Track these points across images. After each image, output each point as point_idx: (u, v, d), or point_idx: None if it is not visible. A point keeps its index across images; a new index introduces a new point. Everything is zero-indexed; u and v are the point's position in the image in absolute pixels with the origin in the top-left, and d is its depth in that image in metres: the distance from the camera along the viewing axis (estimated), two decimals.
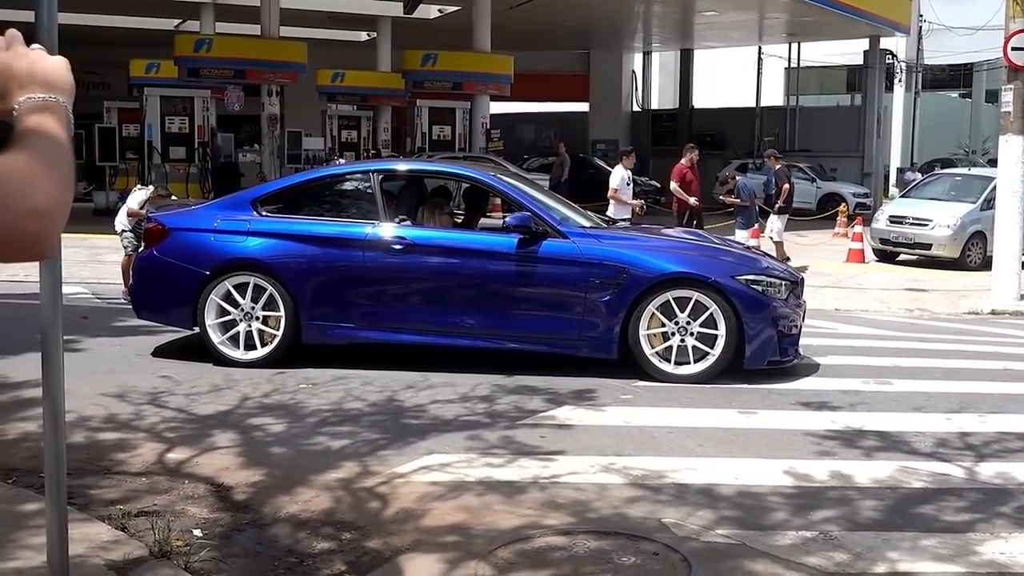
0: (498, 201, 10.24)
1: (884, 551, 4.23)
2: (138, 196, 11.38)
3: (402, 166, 10.17)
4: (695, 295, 7.46)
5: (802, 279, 8.30)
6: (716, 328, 7.42)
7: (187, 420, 6.09)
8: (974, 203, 17.87)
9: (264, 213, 8.07)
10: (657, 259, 7.74)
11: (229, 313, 7.75)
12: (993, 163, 17.51)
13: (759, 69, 36.99)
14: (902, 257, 18.02)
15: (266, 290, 7.72)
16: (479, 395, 6.83)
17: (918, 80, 35.64)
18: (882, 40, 33.29)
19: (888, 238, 18.27)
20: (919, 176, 25.38)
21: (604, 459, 5.43)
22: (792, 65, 36.67)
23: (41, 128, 1.56)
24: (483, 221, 9.28)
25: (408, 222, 8.14)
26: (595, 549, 4.22)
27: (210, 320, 7.72)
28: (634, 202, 14.46)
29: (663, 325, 7.50)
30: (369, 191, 8.21)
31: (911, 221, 17.98)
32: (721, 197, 15.73)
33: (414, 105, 28.61)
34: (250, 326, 7.73)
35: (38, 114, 1.58)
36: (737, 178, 16.01)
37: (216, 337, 7.71)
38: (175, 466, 5.19)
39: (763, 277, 7.76)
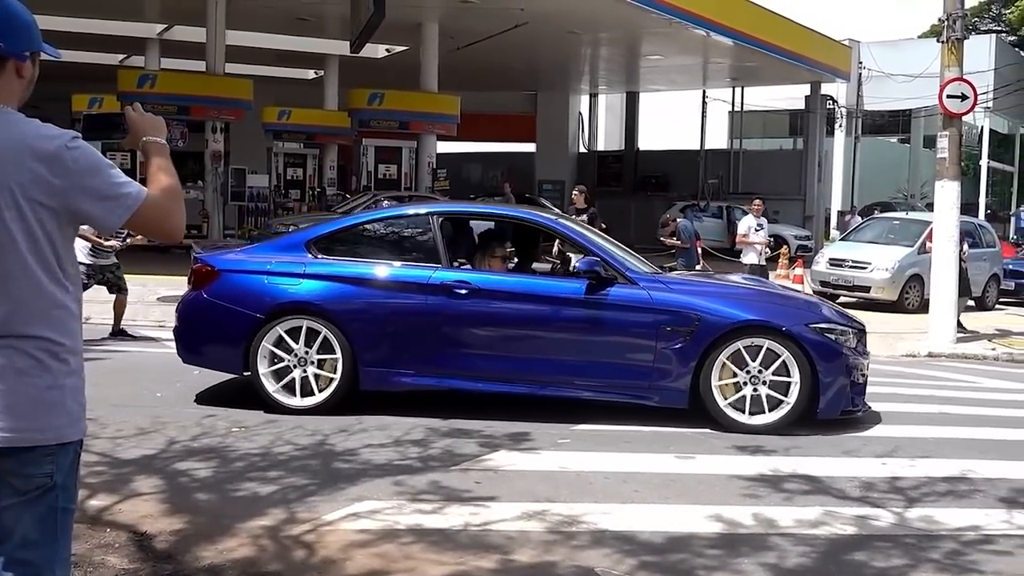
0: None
1: None
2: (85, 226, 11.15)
3: (463, 208, 10.09)
4: (768, 343, 7.35)
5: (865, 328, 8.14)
6: (789, 377, 7.31)
7: (110, 464, 5.91)
8: (911, 247, 18.19)
9: (319, 255, 7.82)
10: (729, 307, 7.63)
11: (283, 358, 7.50)
12: (931, 207, 17.83)
13: (703, 112, 37.50)
14: (842, 299, 18.22)
15: (322, 334, 7.47)
16: (413, 439, 6.73)
17: (858, 125, 36.28)
18: (823, 86, 33.97)
19: (828, 280, 18.52)
20: (859, 219, 25.78)
21: (537, 505, 5.36)
22: (736, 109, 37.22)
23: (165, 169, 2.71)
24: (535, 265, 9.07)
25: (468, 266, 8.05)
26: None
27: (263, 366, 7.47)
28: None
29: (734, 374, 7.38)
30: (428, 234, 7.94)
31: (850, 264, 18.24)
32: (663, 239, 15.84)
33: (360, 144, 28.59)
34: (305, 372, 7.48)
35: (157, 149, 2.78)
36: (678, 220, 16.15)
37: (269, 384, 7.48)
38: (95, 513, 5.03)
39: (835, 325, 7.69)
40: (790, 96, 35.77)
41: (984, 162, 34.93)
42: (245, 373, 7.62)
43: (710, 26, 25.02)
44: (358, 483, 5.65)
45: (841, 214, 33.62)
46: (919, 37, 38.62)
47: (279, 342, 7.50)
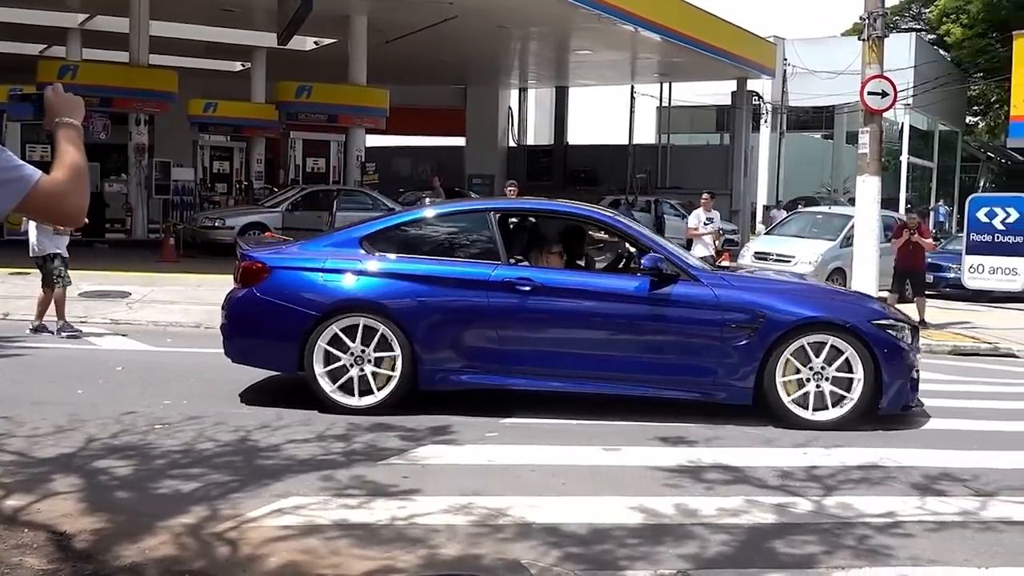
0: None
1: None
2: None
3: (520, 205, 9.98)
4: (832, 340, 7.41)
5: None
6: (852, 373, 7.39)
7: (26, 464, 5.80)
8: (834, 240, 18.53)
9: (374, 252, 7.70)
10: (792, 304, 7.70)
11: (339, 357, 7.36)
12: (853, 202, 18.22)
13: (632, 107, 37.81)
14: None
15: (380, 332, 7.35)
16: (335, 434, 6.70)
17: (783, 121, 36.86)
18: (749, 82, 34.44)
19: None
20: (784, 214, 26.21)
21: (464, 499, 5.37)
22: (664, 104, 37.57)
23: (68, 150, 2.60)
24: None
25: (525, 263, 7.98)
26: None
27: (319, 365, 7.34)
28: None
29: (797, 371, 7.44)
30: (486, 230, 7.88)
31: (775, 257, 18.53)
32: (592, 233, 15.89)
33: (288, 137, 28.33)
34: (363, 370, 7.36)
35: (65, 129, 2.67)
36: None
37: (325, 383, 7.35)
38: (12, 513, 4.93)
39: (895, 322, 7.79)
40: (717, 92, 36.21)
41: (904, 158, 35.72)
42: (299, 372, 7.47)
43: (638, 22, 25.23)
44: (282, 479, 5.62)
45: (766, 208, 34.13)
46: (842, 35, 39.32)
47: (335, 341, 7.36)
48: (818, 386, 7.44)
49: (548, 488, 5.71)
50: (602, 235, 9.45)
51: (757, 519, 5.25)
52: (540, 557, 4.56)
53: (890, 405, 7.53)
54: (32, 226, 10.79)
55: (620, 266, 8.96)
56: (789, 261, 18.29)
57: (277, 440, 6.50)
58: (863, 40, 15.49)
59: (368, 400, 7.36)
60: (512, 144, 41.17)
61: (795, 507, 5.48)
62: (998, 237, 17.86)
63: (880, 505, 5.55)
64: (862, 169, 15.43)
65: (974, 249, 17.99)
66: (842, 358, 7.41)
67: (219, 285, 15.68)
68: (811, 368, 7.43)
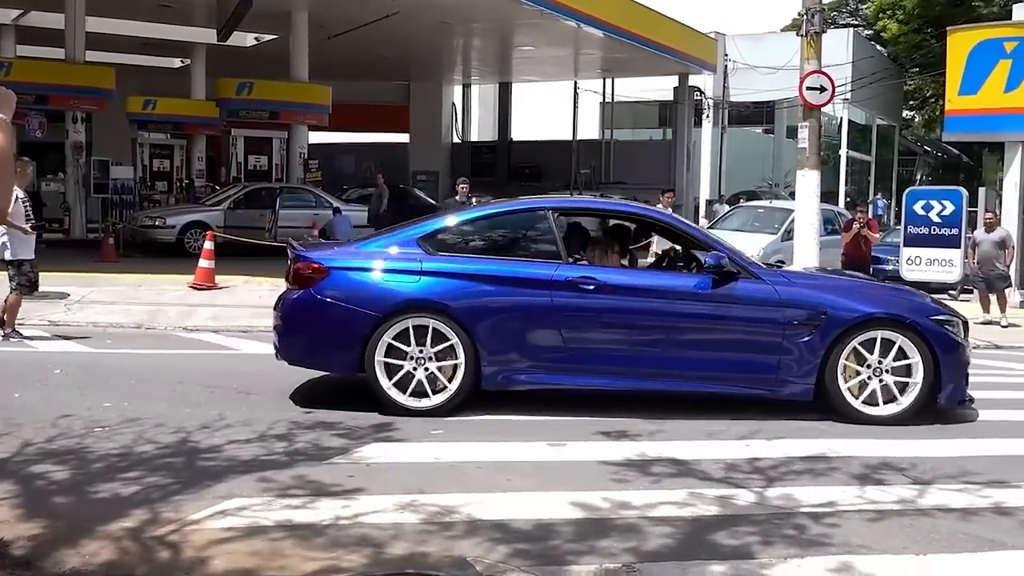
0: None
1: None
2: None
3: (578, 204, 10.18)
4: (891, 335, 7.51)
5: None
6: (910, 369, 7.50)
7: None
8: (775, 234, 18.76)
9: (433, 251, 7.66)
10: (852, 300, 7.80)
11: (401, 358, 7.33)
12: (794, 195, 18.46)
13: (575, 103, 37.92)
14: None
15: (442, 333, 7.33)
16: (277, 434, 6.65)
17: (724, 116, 37.19)
18: (691, 78, 34.72)
19: None
20: (726, 208, 26.47)
21: (409, 497, 5.36)
22: (607, 100, 37.74)
23: None
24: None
25: (584, 261, 8.01)
26: None
27: (380, 367, 7.31)
28: None
29: (858, 367, 7.53)
30: (545, 229, 7.91)
31: None
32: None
33: (229, 134, 28.04)
34: (426, 371, 7.34)
35: None
36: None
37: (387, 385, 7.32)
38: None
39: (951, 317, 7.86)
40: (659, 88, 36.44)
41: (843, 152, 36.22)
42: (359, 374, 7.42)
43: (580, 18, 25.31)
44: (224, 480, 5.56)
45: (709, 203, 34.46)
46: (782, 31, 39.73)
47: (397, 341, 7.33)
48: (881, 381, 7.54)
49: (494, 485, 5.71)
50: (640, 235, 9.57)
51: (701, 511, 5.29)
52: (487, 554, 4.56)
53: (948, 400, 7.66)
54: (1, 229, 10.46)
55: (663, 265, 9.04)
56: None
57: (218, 441, 6.42)
58: (801, 36, 15.69)
59: (431, 402, 7.37)
60: (456, 140, 41.11)
61: (738, 499, 5.54)
62: (934, 229, 18.17)
63: (821, 495, 5.62)
64: (802, 163, 15.65)
65: (912, 241, 18.29)
66: (901, 353, 7.53)
67: (160, 285, 15.56)
68: (871, 364, 7.54)
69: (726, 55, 36.42)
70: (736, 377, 7.64)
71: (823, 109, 16.43)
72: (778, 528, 5.04)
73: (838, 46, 32.29)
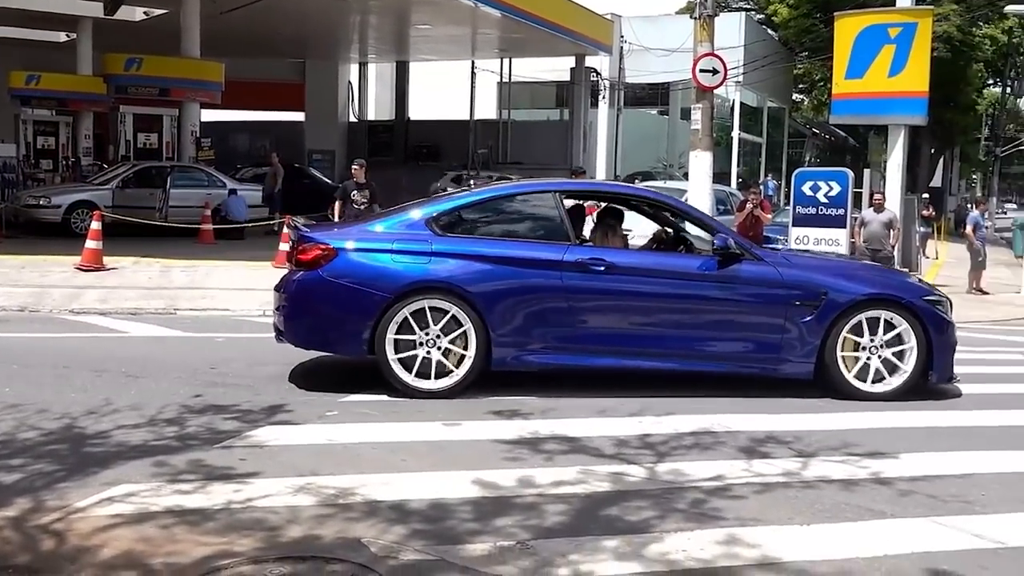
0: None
1: (571, 555, 4.37)
2: None
3: (584, 186, 10.43)
4: (888, 315, 7.77)
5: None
6: (905, 348, 7.77)
7: None
8: None
9: (442, 232, 7.66)
10: (851, 281, 8.03)
11: (412, 339, 7.35)
12: (688, 176, 18.76)
13: (472, 83, 37.85)
14: None
15: (453, 314, 7.39)
16: (167, 418, 6.52)
17: (620, 97, 37.53)
18: (587, 59, 34.94)
19: None
20: None
21: (302, 480, 5.32)
22: (504, 80, 37.75)
23: None
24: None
25: (590, 243, 8.10)
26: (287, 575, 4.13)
27: (391, 347, 7.33)
28: None
29: (855, 346, 7.77)
30: (553, 211, 7.98)
31: None
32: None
33: (117, 111, 27.26)
34: (438, 352, 7.38)
35: None
36: (450, 192, 16.26)
37: (398, 366, 7.35)
38: None
39: (940, 298, 8.15)
40: (556, 68, 36.61)
41: (736, 134, 36.94)
42: (369, 356, 7.39)
43: None
44: (112, 466, 5.43)
45: None
46: (676, 13, 40.29)
47: (407, 323, 7.36)
48: (880, 358, 7.81)
49: (390, 466, 5.71)
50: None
51: (594, 488, 5.38)
52: (383, 535, 4.56)
53: (939, 377, 7.95)
54: None
55: (656, 248, 9.18)
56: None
57: (106, 426, 6.27)
58: (695, 19, 15.96)
59: (443, 383, 7.41)
60: (353, 119, 40.68)
61: (630, 475, 5.64)
62: (821, 210, 18.63)
63: (710, 469, 5.76)
64: (695, 144, 15.94)
65: (800, 221, 18.73)
66: (897, 332, 7.80)
67: (44, 266, 15.08)
68: (869, 344, 7.80)
69: (622, 36, 36.73)
70: (742, 356, 7.87)
71: (716, 91, 16.74)
72: (669, 502, 5.15)
73: (731, 29, 32.86)
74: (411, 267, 7.52)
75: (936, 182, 47.83)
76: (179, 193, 22.22)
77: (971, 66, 41.44)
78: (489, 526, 4.73)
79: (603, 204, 9.76)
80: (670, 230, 9.20)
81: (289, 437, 6.23)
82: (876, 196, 17.73)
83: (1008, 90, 50.63)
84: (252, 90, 34.05)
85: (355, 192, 14.18)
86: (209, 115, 30.02)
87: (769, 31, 43.37)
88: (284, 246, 15.58)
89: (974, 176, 74.27)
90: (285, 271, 8.39)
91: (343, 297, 7.48)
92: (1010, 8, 28.40)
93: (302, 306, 7.68)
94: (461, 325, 7.43)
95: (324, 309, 7.59)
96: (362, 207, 13.99)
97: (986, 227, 25.45)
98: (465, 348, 7.45)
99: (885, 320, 7.82)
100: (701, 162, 15.88)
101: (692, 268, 7.98)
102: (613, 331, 7.82)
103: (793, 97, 50.76)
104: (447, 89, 39.60)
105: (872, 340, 7.82)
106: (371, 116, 42.67)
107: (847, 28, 21.99)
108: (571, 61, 34.94)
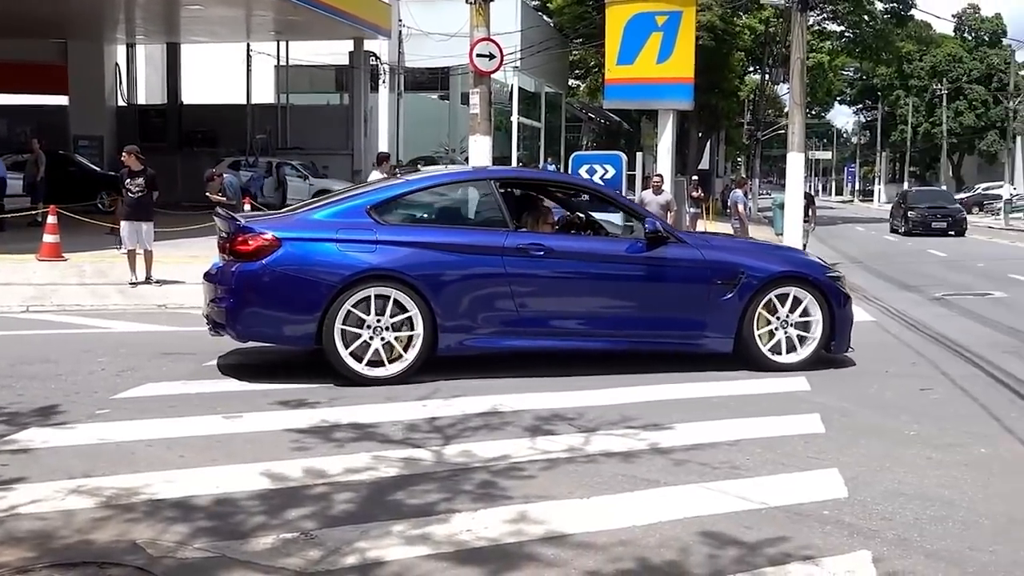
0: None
1: (358, 542, 4.35)
2: None
3: (519, 174, 11.22)
4: (796, 291, 8.39)
5: None
6: (811, 318, 8.41)
7: None
8: None
9: (383, 221, 7.72)
10: (765, 261, 8.62)
11: (360, 328, 7.40)
12: (469, 160, 18.93)
13: (248, 66, 36.82)
14: None
15: (399, 302, 7.50)
16: None
17: (401, 82, 37.38)
18: (366, 42, 34.59)
19: None
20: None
21: (73, 482, 5.06)
22: (282, 63, 36.92)
23: None
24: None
25: (525, 229, 8.40)
26: None
27: (339, 336, 7.36)
28: None
29: (768, 320, 8.34)
30: (490, 198, 8.21)
31: None
32: (210, 195, 15.41)
33: None
34: (384, 340, 7.45)
35: None
36: (224, 176, 15.78)
37: (347, 355, 7.39)
38: None
39: (839, 274, 8.87)
40: (335, 52, 36.07)
41: (515, 118, 37.49)
42: (317, 346, 7.41)
43: None
44: None
45: (392, 167, 34.61)
46: None
47: (356, 311, 7.42)
48: (787, 333, 8.41)
49: (168, 463, 5.51)
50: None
51: (382, 474, 5.37)
52: (162, 535, 4.40)
53: (839, 347, 8.66)
54: None
55: (571, 232, 9.27)
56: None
57: None
58: (471, 3, 16.06)
59: (391, 369, 7.51)
60: (122, 104, 38.77)
61: (418, 458, 5.67)
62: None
63: (497, 449, 5.86)
64: (474, 129, 16.08)
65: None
66: (804, 307, 8.42)
67: None
68: (780, 318, 8.39)
69: (400, 20, 36.57)
70: (673, 334, 8.32)
71: (493, 76, 16.92)
72: (457, 484, 5.21)
73: (507, 15, 33.27)
74: (357, 256, 7.57)
75: (704, 164, 50.17)
76: None
77: (733, 54, 43.55)
78: (277, 518, 4.64)
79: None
80: (581, 215, 9.57)
81: (58, 438, 5.91)
82: (654, 179, 18.44)
83: (767, 77, 53.56)
84: (8, 72, 31.94)
85: (128, 180, 13.53)
86: None
87: (545, 17, 44.22)
88: (50, 238, 14.75)
89: (739, 159, 78.35)
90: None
91: (290, 288, 7.49)
92: None
93: (246, 298, 7.57)
94: (408, 312, 7.55)
95: (270, 301, 7.55)
96: (137, 196, 13.37)
97: (749, 206, 26.90)
98: (411, 335, 7.57)
99: (794, 296, 8.41)
100: (481, 146, 16.03)
101: (624, 251, 8.37)
102: (556, 313, 8.13)
103: (569, 83, 52.02)
104: (223, 72, 38.34)
105: (783, 315, 8.41)
106: (142, 100, 40.78)
107: (617, 16, 22.73)
108: (350, 45, 34.50)
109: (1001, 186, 51.09)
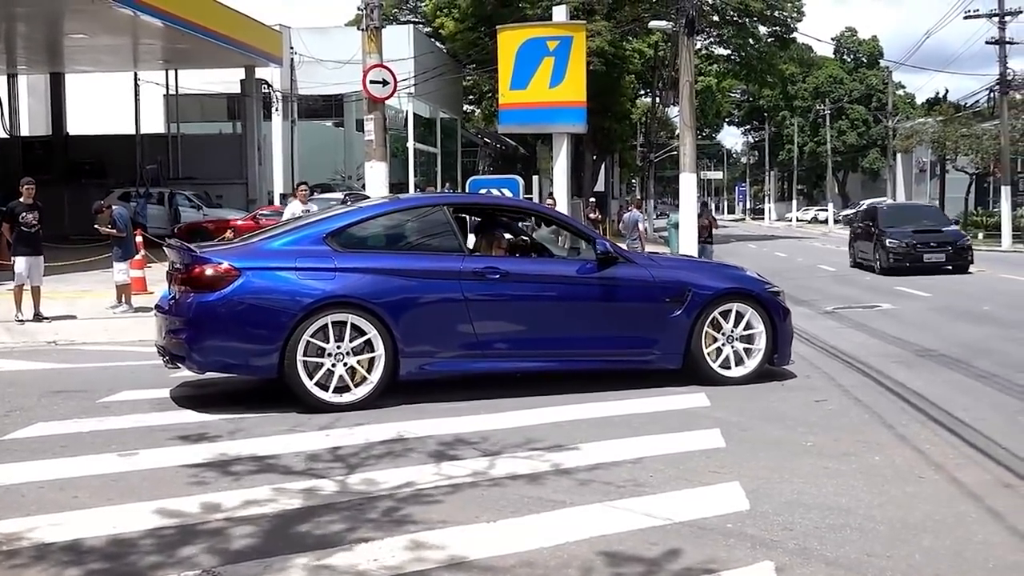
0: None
1: None
2: None
3: (469, 200, 11.32)
4: (739, 307, 8.62)
5: None
6: (754, 331, 8.62)
7: None
8: None
9: (341, 248, 7.74)
10: (709, 279, 8.83)
11: (321, 356, 7.39)
12: (365, 187, 18.85)
13: (137, 95, 36.10)
14: None
15: (360, 328, 7.51)
16: None
17: (294, 109, 37.09)
18: (258, 70, 34.25)
19: None
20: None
21: None
22: (171, 92, 36.30)
23: None
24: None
25: (477, 253, 8.61)
26: None
27: (301, 365, 7.35)
28: None
29: (715, 337, 8.54)
30: (444, 224, 8.25)
31: None
32: (99, 228, 15.00)
33: None
34: (346, 366, 7.45)
35: None
36: (113, 208, 15.39)
37: (309, 383, 7.37)
38: None
39: (779, 289, 9.15)
40: (226, 80, 35.61)
41: (411, 144, 37.49)
42: (278, 375, 7.39)
43: (137, 6, 24.03)
44: None
45: (283, 197, 34.25)
46: (345, 25, 40.30)
47: (316, 339, 7.42)
48: (733, 347, 8.63)
49: (60, 504, 5.32)
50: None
51: (284, 506, 5.27)
52: None
53: (781, 359, 8.92)
54: None
55: (517, 256, 9.32)
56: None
57: None
58: (363, 30, 16.05)
59: (353, 396, 7.52)
60: (3, 135, 37.60)
61: (321, 489, 5.58)
62: None
63: (401, 476, 5.80)
64: (370, 155, 16.04)
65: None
66: (747, 322, 8.64)
67: None
68: (724, 333, 8.60)
69: (292, 48, 36.31)
70: (626, 352, 8.51)
71: (388, 102, 16.91)
72: (361, 513, 5.14)
73: (400, 41, 33.36)
74: (317, 284, 7.58)
75: (600, 187, 50.83)
76: None
77: (624, 78, 44.32)
78: (173, 557, 4.52)
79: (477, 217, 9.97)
80: (526, 238, 9.70)
81: None
82: (548, 201, 18.61)
83: (658, 100, 54.59)
84: None
85: (25, 213, 13.16)
86: None
87: (438, 44, 44.39)
88: None
89: (633, 180, 79.60)
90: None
91: (250, 317, 7.45)
92: (653, 24, 30.70)
93: (205, 329, 7.45)
94: (368, 338, 7.57)
95: (230, 331, 7.46)
96: (33, 230, 13.08)
97: (645, 226, 27.33)
98: (372, 360, 7.59)
99: (737, 311, 8.65)
100: (377, 172, 16.00)
101: (576, 272, 8.53)
102: (513, 335, 8.26)
103: (464, 108, 52.24)
104: (110, 102, 37.48)
105: (728, 330, 8.61)
106: (24, 131, 39.62)
107: (509, 41, 22.96)
108: (241, 73, 34.10)
109: (884, 201, 52.96)
